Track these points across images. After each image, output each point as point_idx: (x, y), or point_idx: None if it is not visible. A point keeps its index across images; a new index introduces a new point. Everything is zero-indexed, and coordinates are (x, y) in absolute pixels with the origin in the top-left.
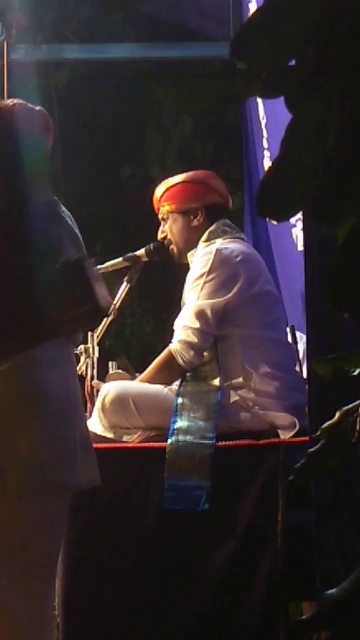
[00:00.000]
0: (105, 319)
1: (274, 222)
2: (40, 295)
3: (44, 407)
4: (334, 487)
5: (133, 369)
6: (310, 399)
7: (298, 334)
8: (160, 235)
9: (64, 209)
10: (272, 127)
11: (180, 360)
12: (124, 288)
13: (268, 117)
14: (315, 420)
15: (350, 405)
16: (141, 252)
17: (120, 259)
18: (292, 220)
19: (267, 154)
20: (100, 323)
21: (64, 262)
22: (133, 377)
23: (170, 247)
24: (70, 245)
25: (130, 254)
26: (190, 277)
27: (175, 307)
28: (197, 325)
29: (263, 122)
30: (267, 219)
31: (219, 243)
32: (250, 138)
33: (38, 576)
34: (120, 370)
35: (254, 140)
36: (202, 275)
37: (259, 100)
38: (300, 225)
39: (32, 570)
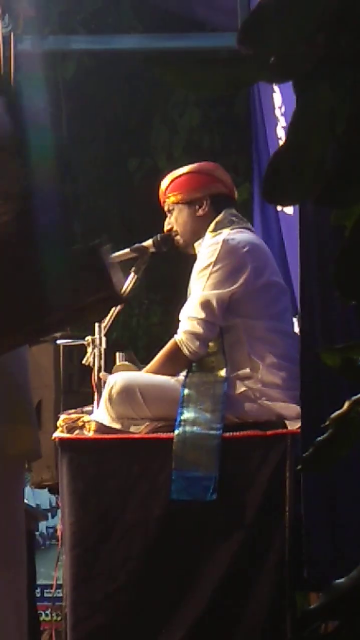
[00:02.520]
0: (113, 310)
1: (282, 208)
2: (51, 285)
3: None
4: (330, 478)
5: (139, 361)
6: (303, 389)
7: None
8: (166, 227)
9: None
10: (290, 115)
11: (185, 351)
12: (131, 279)
13: (286, 105)
14: (308, 410)
15: (359, 396)
16: (148, 242)
17: (128, 249)
18: None
19: (282, 143)
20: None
21: (79, 248)
22: (139, 370)
23: (177, 238)
24: None
25: (137, 245)
26: (196, 267)
27: (182, 298)
28: (202, 315)
29: (281, 110)
30: (274, 204)
31: (226, 233)
32: (260, 128)
33: None
34: (127, 362)
35: (265, 130)
36: (208, 266)
37: (276, 88)
38: None
39: None
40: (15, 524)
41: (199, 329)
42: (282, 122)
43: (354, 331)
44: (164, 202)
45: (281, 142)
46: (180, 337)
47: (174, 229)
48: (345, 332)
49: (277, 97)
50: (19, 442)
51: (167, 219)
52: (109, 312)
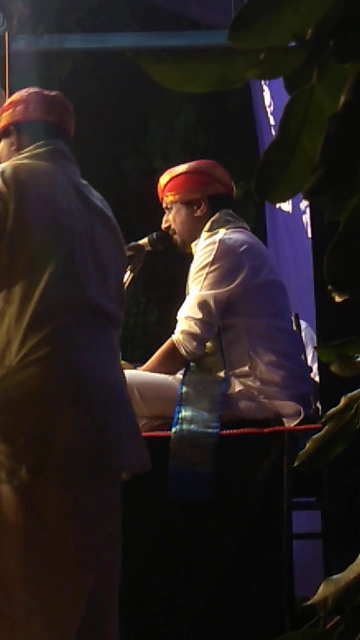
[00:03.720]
0: None
1: (287, 208)
2: None
3: (84, 393)
4: (347, 471)
5: (136, 360)
6: (322, 385)
7: (302, 322)
8: (164, 225)
9: (93, 192)
10: (280, 114)
11: (182, 351)
12: (127, 277)
13: (275, 104)
14: (326, 407)
15: (356, 392)
16: (144, 241)
17: None
18: (302, 206)
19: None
20: None
21: None
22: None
23: (174, 236)
24: (101, 226)
25: (133, 243)
26: (193, 268)
27: (179, 297)
28: (199, 315)
29: (270, 109)
30: (266, 201)
31: (222, 233)
32: (258, 126)
33: (80, 568)
34: (123, 361)
35: (261, 129)
36: (205, 266)
37: (266, 87)
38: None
39: (75, 560)
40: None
41: (196, 329)
42: (271, 121)
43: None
44: (162, 199)
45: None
46: (177, 337)
47: (172, 227)
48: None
49: (267, 96)
50: (139, 457)
51: (165, 216)
52: None
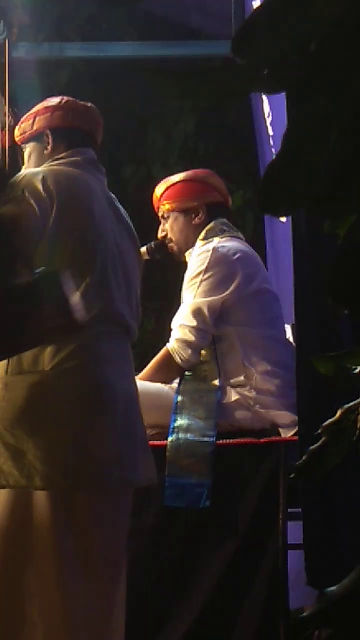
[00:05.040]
0: None
1: (282, 219)
2: (19, 308)
3: (112, 404)
4: (326, 486)
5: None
6: (300, 397)
7: None
8: (160, 234)
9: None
10: (278, 124)
11: (178, 359)
12: None
13: (274, 114)
14: (304, 418)
15: (352, 404)
16: (142, 250)
17: None
18: None
19: (274, 151)
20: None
21: (41, 275)
22: None
23: (170, 245)
24: (127, 240)
25: None
26: (187, 276)
27: (176, 305)
28: (194, 323)
29: (268, 119)
30: (269, 214)
31: (216, 241)
32: (258, 136)
33: (109, 575)
34: None
35: (261, 139)
36: (199, 274)
37: (264, 97)
38: None
39: (104, 569)
40: (124, 543)
41: (190, 337)
42: (270, 131)
43: (349, 339)
44: (158, 208)
45: (272, 151)
46: (172, 345)
47: (168, 236)
48: (340, 340)
49: (266, 106)
50: (148, 470)
51: (161, 226)
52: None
